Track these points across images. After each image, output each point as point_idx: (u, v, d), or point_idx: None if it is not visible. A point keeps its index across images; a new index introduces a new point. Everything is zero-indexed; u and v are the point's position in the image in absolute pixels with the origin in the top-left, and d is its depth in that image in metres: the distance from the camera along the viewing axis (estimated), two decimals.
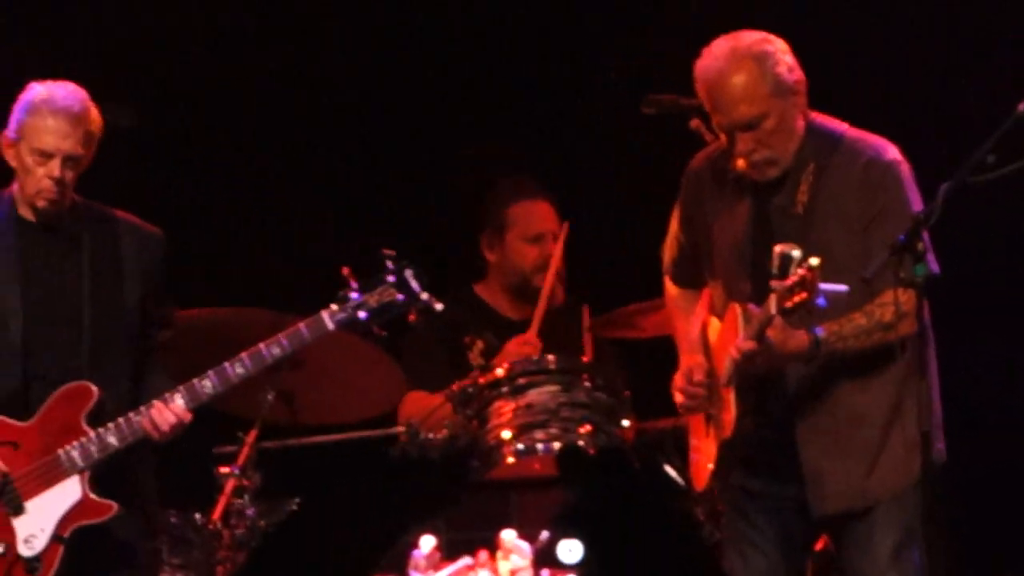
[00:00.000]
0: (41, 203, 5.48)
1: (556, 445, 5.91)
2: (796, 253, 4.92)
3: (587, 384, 6.05)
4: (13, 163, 5.54)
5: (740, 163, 5.23)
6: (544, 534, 5.50)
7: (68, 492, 5.47)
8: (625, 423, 6.04)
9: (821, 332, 5.06)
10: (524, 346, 6.46)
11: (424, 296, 5.62)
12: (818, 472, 5.19)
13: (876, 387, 5.18)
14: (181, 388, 5.48)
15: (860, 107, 5.52)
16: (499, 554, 5.66)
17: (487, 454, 5.92)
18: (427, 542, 5.62)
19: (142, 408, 5.42)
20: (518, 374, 6.05)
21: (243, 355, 5.47)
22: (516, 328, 6.77)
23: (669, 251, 5.60)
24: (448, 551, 5.74)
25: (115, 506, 5.44)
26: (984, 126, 4.92)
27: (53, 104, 5.50)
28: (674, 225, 5.56)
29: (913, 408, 4.99)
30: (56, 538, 5.43)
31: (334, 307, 5.58)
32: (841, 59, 6.37)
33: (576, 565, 5.49)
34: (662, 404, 5.77)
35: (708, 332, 5.50)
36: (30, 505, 5.48)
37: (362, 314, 5.59)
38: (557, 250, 6.75)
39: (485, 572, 5.66)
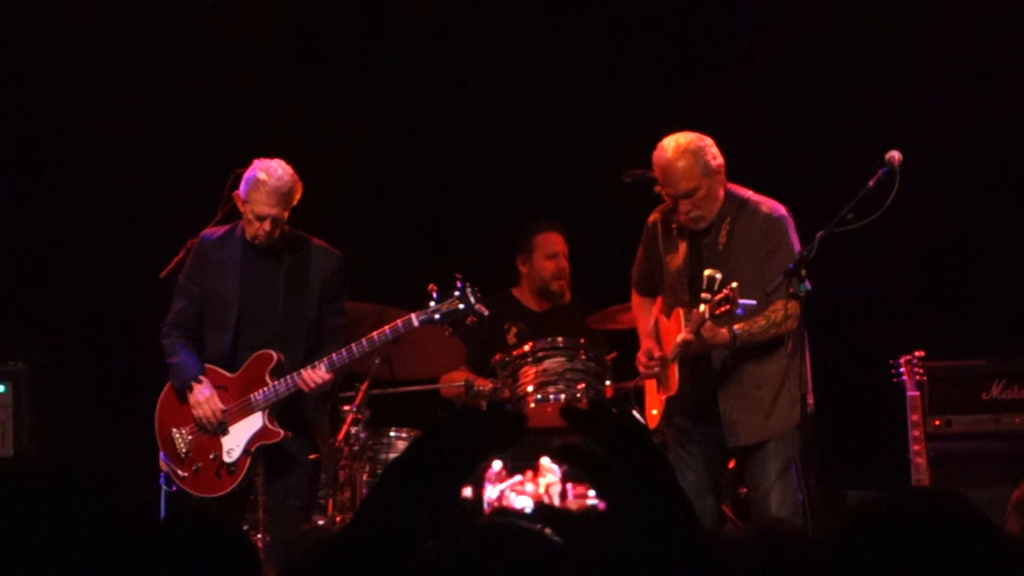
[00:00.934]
0: (256, 241, 5.93)
1: (562, 397, 6.38)
2: (719, 275, 5.38)
3: (583, 357, 6.58)
4: (243, 211, 5.95)
5: (682, 218, 5.63)
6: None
7: (254, 422, 5.93)
8: (607, 383, 6.60)
9: (736, 329, 5.47)
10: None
11: (477, 307, 5.89)
12: (732, 418, 5.60)
13: (771, 363, 5.59)
14: (324, 358, 5.89)
15: (762, 179, 5.88)
16: (540, 474, 6.12)
17: (516, 401, 6.40)
18: (496, 464, 6.06)
19: (301, 370, 5.87)
20: (537, 349, 6.54)
21: (363, 339, 5.85)
22: (540, 318, 7.22)
23: (635, 272, 5.98)
24: (510, 470, 6.14)
25: (282, 433, 5.95)
26: (847, 189, 5.40)
27: (267, 185, 5.83)
28: (639, 255, 5.91)
29: (795, 377, 5.45)
30: (246, 452, 5.94)
31: (419, 311, 5.92)
32: (748, 147, 6.26)
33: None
34: (630, 371, 6.14)
35: (660, 326, 5.85)
36: (232, 429, 5.95)
37: (437, 316, 5.90)
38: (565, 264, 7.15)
39: (530, 485, 6.06)
